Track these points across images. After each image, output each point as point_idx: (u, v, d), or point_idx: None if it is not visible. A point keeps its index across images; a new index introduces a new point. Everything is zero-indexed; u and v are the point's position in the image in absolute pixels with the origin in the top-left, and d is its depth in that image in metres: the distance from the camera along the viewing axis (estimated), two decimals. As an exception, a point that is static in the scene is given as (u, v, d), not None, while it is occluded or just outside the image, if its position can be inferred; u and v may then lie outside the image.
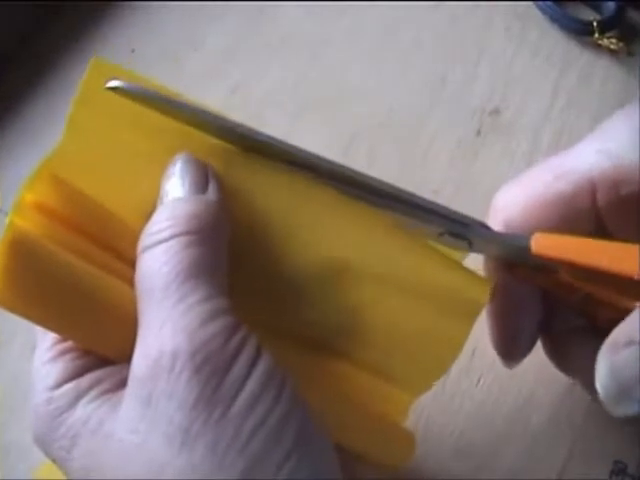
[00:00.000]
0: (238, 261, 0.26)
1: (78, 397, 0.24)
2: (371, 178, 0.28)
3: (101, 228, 0.26)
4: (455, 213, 0.28)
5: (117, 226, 0.26)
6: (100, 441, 0.23)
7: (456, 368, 0.37)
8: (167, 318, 0.22)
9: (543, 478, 0.35)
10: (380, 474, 0.30)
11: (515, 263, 0.30)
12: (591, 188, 0.29)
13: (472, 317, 0.28)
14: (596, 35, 0.44)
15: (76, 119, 0.26)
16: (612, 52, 0.45)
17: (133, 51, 0.46)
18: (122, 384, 0.24)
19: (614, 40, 0.45)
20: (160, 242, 0.24)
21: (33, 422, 0.25)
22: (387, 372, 0.29)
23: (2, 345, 0.37)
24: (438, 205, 0.28)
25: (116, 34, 0.47)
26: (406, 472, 0.34)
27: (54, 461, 0.24)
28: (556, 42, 0.45)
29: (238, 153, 0.26)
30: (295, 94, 0.44)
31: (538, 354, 0.36)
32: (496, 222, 0.30)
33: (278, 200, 0.27)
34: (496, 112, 0.43)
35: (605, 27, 0.45)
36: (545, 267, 0.29)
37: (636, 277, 0.25)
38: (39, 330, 0.25)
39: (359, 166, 0.42)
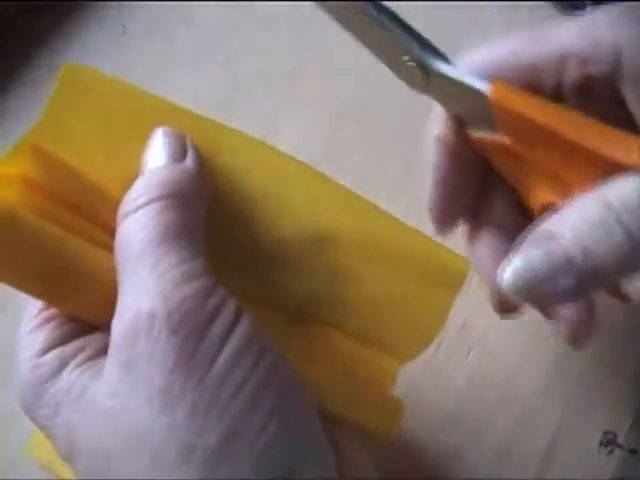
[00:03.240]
0: (218, 231, 0.26)
1: (62, 364, 0.24)
2: None
3: (83, 198, 0.26)
4: (428, 41, 0.28)
5: (100, 196, 0.26)
6: (83, 408, 0.23)
7: (446, 340, 0.37)
8: (143, 282, 0.23)
9: (533, 449, 0.35)
10: (366, 445, 0.30)
11: (466, 120, 0.30)
12: (560, 62, 0.28)
13: (455, 287, 0.29)
14: (588, 9, 0.44)
15: (58, 95, 0.26)
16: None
17: (124, 27, 0.46)
18: (106, 350, 0.24)
19: (607, 14, 0.44)
20: (137, 209, 0.24)
21: (20, 390, 0.25)
22: (372, 340, 0.29)
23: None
24: (415, 30, 0.28)
25: (107, 11, 0.46)
26: (396, 444, 0.34)
27: (40, 428, 0.24)
28: (548, 18, 0.45)
29: (218, 127, 0.27)
30: (285, 67, 0.44)
31: (526, 328, 0.37)
32: None
33: (257, 172, 0.27)
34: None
35: (598, 3, 0.44)
36: (494, 128, 0.28)
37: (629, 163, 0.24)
38: (27, 299, 0.26)
39: (349, 139, 0.43)
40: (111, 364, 0.23)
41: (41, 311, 0.25)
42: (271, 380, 0.23)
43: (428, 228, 0.38)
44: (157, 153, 0.26)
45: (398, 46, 0.28)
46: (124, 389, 0.22)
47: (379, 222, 0.28)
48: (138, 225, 0.24)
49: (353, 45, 0.45)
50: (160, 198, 0.24)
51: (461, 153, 0.31)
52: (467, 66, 0.29)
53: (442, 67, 0.28)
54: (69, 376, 0.24)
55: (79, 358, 0.24)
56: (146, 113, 0.26)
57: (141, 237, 0.23)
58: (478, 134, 0.30)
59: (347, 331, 0.29)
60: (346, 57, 0.44)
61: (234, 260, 0.27)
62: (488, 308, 0.37)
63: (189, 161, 0.26)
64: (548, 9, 0.45)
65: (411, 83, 0.30)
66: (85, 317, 0.25)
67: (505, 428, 0.35)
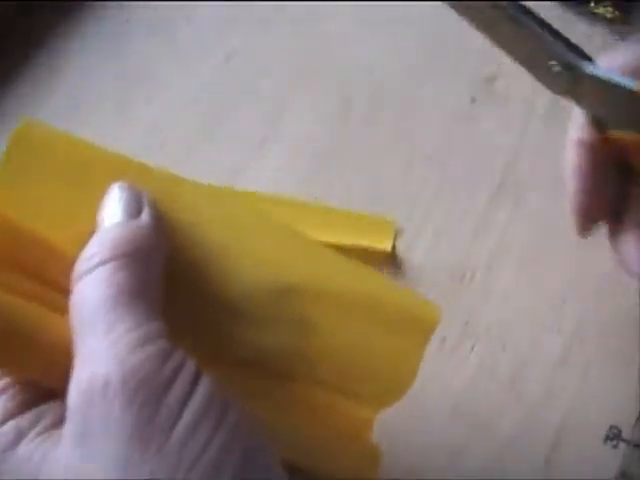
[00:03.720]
0: (178, 286, 0.25)
1: (20, 436, 0.23)
2: None
3: (36, 259, 0.25)
4: (574, 44, 0.28)
5: (54, 256, 0.25)
6: None
7: (450, 336, 0.37)
8: (97, 348, 0.22)
9: (538, 443, 0.35)
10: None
11: (609, 121, 0.29)
12: None
13: (426, 336, 0.28)
14: (592, 4, 0.44)
15: (10, 156, 0.25)
16: (608, 21, 0.44)
17: (127, 21, 0.46)
18: (64, 419, 0.23)
19: (610, 9, 0.44)
20: (90, 270, 0.23)
21: None
22: (345, 391, 0.28)
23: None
24: (560, 32, 0.28)
25: (107, 11, 0.46)
26: (400, 440, 0.34)
27: None
28: (551, 10, 0.45)
29: (175, 180, 0.26)
30: (289, 64, 0.44)
31: (530, 323, 0.37)
32: None
33: (217, 226, 0.26)
34: (491, 80, 0.43)
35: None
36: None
37: None
38: None
39: (351, 134, 0.43)
40: (66, 435, 0.22)
41: None
42: (234, 441, 0.22)
43: (430, 225, 0.39)
44: (112, 209, 0.25)
45: (545, 50, 0.28)
46: (79, 462, 0.21)
47: (346, 272, 0.28)
48: (92, 287, 0.23)
49: (354, 43, 0.45)
50: (114, 258, 0.23)
51: (602, 155, 0.31)
52: (609, 67, 0.29)
53: (591, 69, 0.28)
54: (28, 447, 0.23)
55: (37, 428, 0.23)
56: (101, 169, 0.26)
57: (95, 300, 0.22)
58: (620, 134, 0.30)
59: (319, 383, 0.28)
60: (347, 55, 0.44)
61: (196, 315, 0.26)
62: (492, 304, 0.37)
63: (145, 216, 0.25)
64: (550, 8, 0.45)
65: (555, 87, 0.29)
66: (42, 383, 0.24)
67: (510, 423, 0.35)
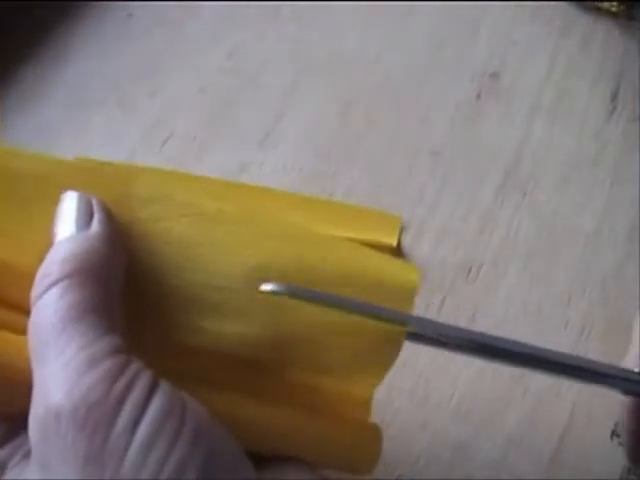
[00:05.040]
0: (142, 287, 0.25)
1: (2, 467, 0.23)
2: (551, 352, 0.27)
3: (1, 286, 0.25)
4: (633, 374, 0.28)
5: (16, 278, 0.24)
6: None
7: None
8: (49, 374, 0.21)
9: (544, 440, 0.34)
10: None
11: None
12: None
13: (408, 302, 0.27)
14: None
15: None
16: (612, 15, 0.44)
17: (130, 16, 0.46)
18: None
19: (615, 3, 0.44)
20: (43, 292, 0.23)
21: None
22: (331, 371, 0.27)
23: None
24: (617, 369, 0.28)
25: (112, 2, 0.46)
26: (405, 436, 0.34)
27: None
28: (556, 5, 0.45)
29: (127, 175, 0.26)
30: (292, 59, 0.44)
31: (537, 318, 0.36)
32: None
33: (176, 220, 0.26)
34: (496, 76, 0.43)
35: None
36: None
37: None
38: None
39: (356, 129, 0.43)
40: (32, 464, 0.22)
41: None
42: (194, 450, 0.21)
43: (435, 221, 0.39)
44: (63, 222, 0.24)
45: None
46: None
47: (318, 246, 0.27)
48: (44, 310, 0.22)
49: (358, 39, 0.45)
50: (64, 277, 0.23)
51: None
52: None
53: None
54: (10, 475, 0.23)
55: (18, 455, 0.23)
56: (51, 178, 0.25)
57: (47, 323, 0.22)
58: None
59: (304, 368, 0.27)
60: (352, 51, 0.44)
61: (163, 312, 0.25)
62: (497, 299, 0.37)
63: (95, 225, 0.24)
64: (555, 2, 0.45)
65: None
66: (14, 412, 0.24)
67: (516, 419, 0.35)
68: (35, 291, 0.23)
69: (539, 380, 0.35)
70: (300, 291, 0.25)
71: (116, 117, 0.42)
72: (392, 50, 0.44)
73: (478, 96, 0.42)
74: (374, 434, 0.29)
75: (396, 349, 0.27)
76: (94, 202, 0.25)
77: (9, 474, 0.23)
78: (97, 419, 0.21)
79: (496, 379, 0.36)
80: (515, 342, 0.27)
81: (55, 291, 0.22)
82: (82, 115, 0.42)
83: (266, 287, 0.25)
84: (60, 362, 0.21)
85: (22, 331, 0.23)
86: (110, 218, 0.25)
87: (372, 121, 0.42)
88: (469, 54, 0.43)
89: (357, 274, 0.27)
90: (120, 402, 0.21)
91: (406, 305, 0.27)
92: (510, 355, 0.27)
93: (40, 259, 0.24)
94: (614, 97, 0.43)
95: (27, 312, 0.23)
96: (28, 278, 0.23)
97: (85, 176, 0.25)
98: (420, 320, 0.27)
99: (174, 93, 0.43)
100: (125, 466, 0.20)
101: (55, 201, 0.25)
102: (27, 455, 0.23)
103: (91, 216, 0.24)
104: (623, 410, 0.31)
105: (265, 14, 0.45)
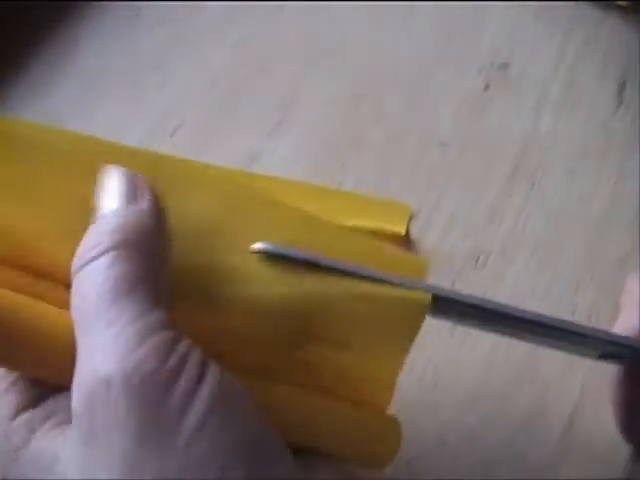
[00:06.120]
0: (184, 267, 0.25)
1: (32, 430, 0.23)
2: (528, 312, 0.29)
3: (30, 256, 0.24)
4: (610, 335, 0.29)
5: (53, 248, 0.24)
6: None
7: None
8: (98, 344, 0.21)
9: (553, 425, 0.35)
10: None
11: None
12: None
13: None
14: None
15: None
16: (621, 9, 0.44)
17: (139, 9, 0.46)
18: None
19: (623, -3, 0.44)
20: (89, 261, 0.22)
21: None
22: (351, 347, 0.27)
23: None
24: (593, 330, 0.29)
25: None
26: (414, 423, 0.34)
27: None
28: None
29: (163, 159, 0.26)
30: (301, 49, 0.44)
31: (546, 304, 0.37)
32: (632, 307, 0.30)
33: (214, 203, 0.26)
34: (504, 67, 0.43)
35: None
36: None
37: None
38: None
39: (364, 121, 0.43)
40: (74, 435, 0.21)
41: (8, 374, 0.24)
42: (244, 433, 0.21)
43: (443, 210, 0.39)
44: (109, 196, 0.24)
45: (587, 349, 0.30)
46: (89, 462, 0.21)
47: (332, 238, 0.27)
48: (91, 280, 0.22)
49: (367, 29, 0.45)
50: (113, 247, 0.22)
51: None
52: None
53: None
54: (39, 443, 0.22)
55: (50, 423, 0.23)
56: (86, 154, 0.25)
57: (94, 294, 0.22)
58: None
59: (327, 355, 0.27)
60: (361, 41, 0.44)
61: (202, 289, 0.25)
62: (505, 288, 0.37)
63: (144, 201, 0.24)
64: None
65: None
66: (51, 380, 0.24)
67: (525, 405, 0.35)
68: (79, 260, 0.23)
69: (548, 363, 0.35)
70: (292, 251, 0.25)
71: (125, 108, 0.42)
72: (401, 41, 0.44)
73: (486, 87, 0.42)
74: (394, 425, 0.28)
75: (418, 320, 0.27)
76: (142, 179, 0.25)
77: (39, 442, 0.22)
78: (151, 391, 0.20)
79: (505, 364, 0.36)
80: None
81: (105, 260, 0.22)
82: (91, 106, 0.42)
83: (259, 246, 0.25)
84: (111, 333, 0.21)
85: (59, 302, 0.23)
86: (157, 195, 0.24)
87: (381, 112, 0.42)
88: (477, 46, 0.44)
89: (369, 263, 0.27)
90: (175, 375, 0.21)
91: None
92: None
93: (76, 231, 0.23)
94: (621, 90, 0.43)
95: (64, 284, 0.23)
96: (64, 251, 0.23)
97: (119, 153, 0.25)
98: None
99: (183, 84, 0.43)
100: (178, 441, 0.20)
101: (90, 175, 0.24)
102: (59, 425, 0.23)
103: (136, 191, 0.24)
104: (612, 381, 0.31)
105: (276, 3, 0.46)
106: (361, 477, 0.27)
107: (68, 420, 0.22)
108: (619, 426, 0.33)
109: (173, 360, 0.21)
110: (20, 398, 0.23)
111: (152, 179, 0.25)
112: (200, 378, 0.21)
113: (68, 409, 0.22)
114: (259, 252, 0.25)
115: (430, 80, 0.43)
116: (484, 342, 0.36)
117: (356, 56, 0.44)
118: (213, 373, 0.21)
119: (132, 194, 0.24)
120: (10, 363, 0.23)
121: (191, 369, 0.21)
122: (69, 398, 0.22)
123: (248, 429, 0.21)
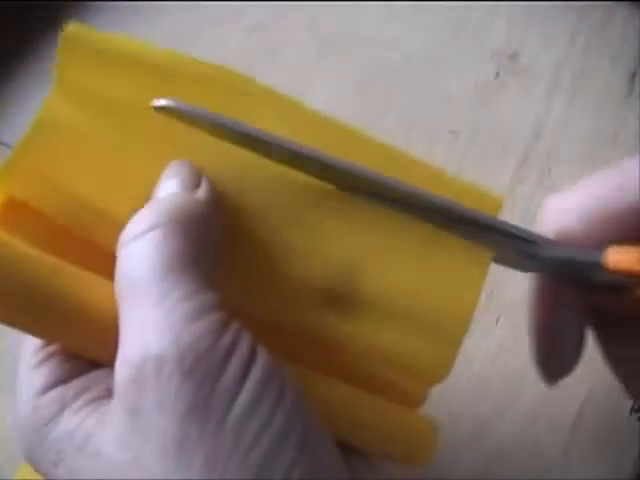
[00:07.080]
0: (235, 263, 0.25)
1: (64, 406, 0.22)
2: (423, 194, 0.27)
3: (80, 220, 0.24)
4: (519, 229, 0.27)
5: (100, 217, 0.24)
6: (88, 459, 0.21)
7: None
8: (148, 319, 0.20)
9: (563, 415, 0.35)
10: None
11: (580, 282, 0.27)
12: None
13: (477, 285, 0.27)
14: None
15: (51, 107, 0.24)
16: (632, -4, 0.44)
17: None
18: (111, 391, 0.22)
19: (635, -16, 0.44)
20: (140, 235, 0.22)
21: (19, 434, 0.23)
22: (396, 358, 0.26)
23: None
24: (501, 222, 0.27)
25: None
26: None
27: (43, 476, 0.23)
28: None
29: (232, 151, 0.25)
30: (311, 37, 0.44)
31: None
32: (546, 230, 0.28)
33: (276, 199, 0.25)
34: (515, 55, 0.43)
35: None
36: (615, 285, 0.26)
37: None
38: (24, 335, 0.24)
39: (375, 108, 0.43)
40: (117, 411, 0.21)
41: (41, 347, 0.24)
42: (293, 418, 0.21)
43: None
44: (168, 181, 0.24)
45: (493, 243, 0.27)
46: (134, 439, 0.20)
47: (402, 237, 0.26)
48: (141, 253, 0.21)
49: (379, 16, 0.45)
50: (167, 224, 0.22)
51: (562, 315, 0.29)
52: (556, 229, 0.27)
53: (549, 249, 0.27)
54: (72, 419, 0.22)
55: (82, 400, 0.22)
56: (152, 130, 0.24)
57: (144, 267, 0.21)
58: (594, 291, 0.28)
59: (367, 353, 0.26)
60: (372, 28, 0.44)
61: (251, 288, 0.25)
62: (515, 276, 0.37)
63: (201, 190, 0.24)
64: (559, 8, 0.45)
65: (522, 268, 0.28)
66: (88, 354, 0.23)
67: (535, 394, 0.35)
68: (130, 232, 0.22)
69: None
70: (188, 108, 0.24)
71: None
72: (411, 29, 0.44)
73: (497, 75, 0.42)
74: (429, 422, 0.28)
75: (482, 272, 0.26)
76: (202, 174, 0.24)
77: (75, 416, 0.22)
78: (205, 369, 0.20)
79: (514, 355, 0.36)
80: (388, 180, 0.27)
81: (157, 235, 0.22)
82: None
83: (158, 103, 0.24)
84: (163, 308, 0.20)
85: (102, 272, 0.23)
86: (215, 190, 0.24)
87: (391, 100, 0.42)
88: (488, 33, 0.43)
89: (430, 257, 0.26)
90: (228, 355, 0.20)
91: (474, 288, 0.27)
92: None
93: (130, 205, 0.23)
94: (632, 77, 0.43)
95: (107, 254, 0.23)
96: (115, 223, 0.23)
97: (186, 137, 0.25)
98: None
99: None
100: (227, 424, 0.20)
101: (152, 158, 0.24)
102: (93, 401, 0.22)
103: (198, 182, 0.24)
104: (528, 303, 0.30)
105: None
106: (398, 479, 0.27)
107: (102, 397, 0.22)
108: (535, 362, 0.31)
109: (225, 342, 0.21)
110: (51, 374, 0.23)
111: (229, 173, 0.25)
112: (251, 360, 0.21)
113: (103, 385, 0.23)
114: (159, 108, 0.24)
115: (441, 68, 0.43)
116: (496, 331, 0.36)
117: (368, 44, 0.44)
118: (262, 357, 0.21)
119: (191, 183, 0.24)
120: (46, 332, 0.23)
121: (243, 350, 0.21)
122: (104, 374, 0.23)
123: (296, 414, 0.21)
